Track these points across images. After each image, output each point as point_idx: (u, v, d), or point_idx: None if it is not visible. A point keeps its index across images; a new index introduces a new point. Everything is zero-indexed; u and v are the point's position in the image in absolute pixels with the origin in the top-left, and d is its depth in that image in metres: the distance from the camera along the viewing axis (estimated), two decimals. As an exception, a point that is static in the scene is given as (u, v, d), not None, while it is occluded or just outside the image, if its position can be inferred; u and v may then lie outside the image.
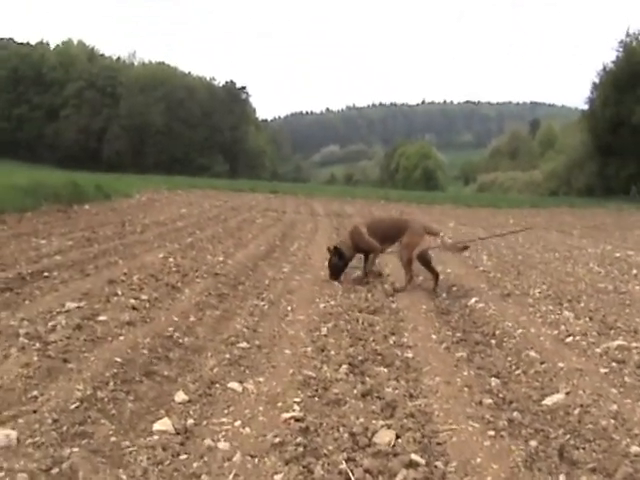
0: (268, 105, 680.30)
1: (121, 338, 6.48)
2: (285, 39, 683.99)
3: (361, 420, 4.60)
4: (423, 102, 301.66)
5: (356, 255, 10.80)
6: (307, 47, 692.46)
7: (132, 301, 7.95)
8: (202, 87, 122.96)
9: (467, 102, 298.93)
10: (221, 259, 11.75)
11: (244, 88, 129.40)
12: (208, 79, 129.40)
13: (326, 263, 10.78)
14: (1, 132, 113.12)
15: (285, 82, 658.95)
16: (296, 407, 4.87)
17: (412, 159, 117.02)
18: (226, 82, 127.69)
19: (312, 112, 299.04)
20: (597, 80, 63.77)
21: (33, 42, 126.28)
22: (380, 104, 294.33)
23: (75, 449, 4.07)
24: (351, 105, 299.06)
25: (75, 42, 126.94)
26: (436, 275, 10.56)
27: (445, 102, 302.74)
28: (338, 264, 10.56)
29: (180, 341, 6.66)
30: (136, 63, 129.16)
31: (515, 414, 4.88)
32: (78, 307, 7.45)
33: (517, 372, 6.06)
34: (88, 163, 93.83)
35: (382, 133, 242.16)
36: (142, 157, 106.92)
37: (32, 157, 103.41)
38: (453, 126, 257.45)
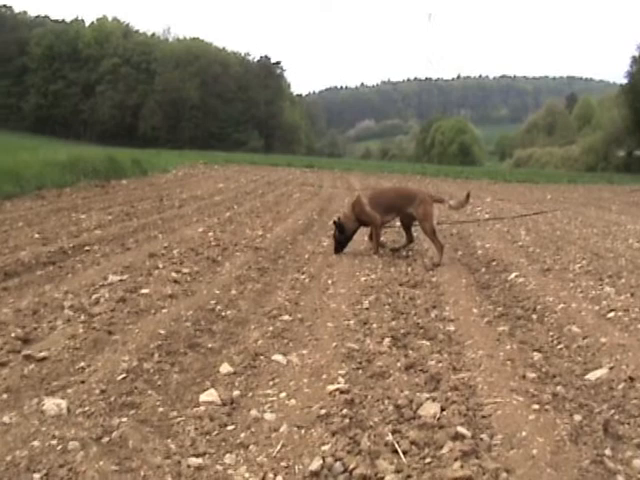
0: (303, 80, 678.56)
1: (164, 311, 6.55)
2: (320, 13, 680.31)
3: (406, 393, 4.60)
4: (459, 77, 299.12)
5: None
6: (342, 21, 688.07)
7: (173, 274, 8.04)
8: (237, 62, 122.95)
9: (503, 76, 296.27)
10: (260, 233, 11.80)
11: (279, 63, 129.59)
12: (243, 54, 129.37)
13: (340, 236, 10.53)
14: (38, 108, 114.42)
15: (320, 57, 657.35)
16: (341, 379, 4.88)
17: (448, 134, 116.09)
18: (261, 57, 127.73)
19: (347, 87, 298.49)
20: (637, 54, 62.77)
21: (68, 19, 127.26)
22: (415, 79, 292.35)
23: (124, 419, 4.13)
24: (386, 80, 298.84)
25: (110, 19, 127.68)
26: (410, 240, 10.81)
27: (481, 76, 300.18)
28: (340, 238, 10.42)
29: (223, 314, 6.71)
30: (171, 39, 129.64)
31: (559, 388, 4.84)
32: (121, 280, 7.53)
33: (559, 347, 6.00)
34: (124, 139, 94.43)
35: (417, 108, 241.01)
36: (177, 132, 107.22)
37: (68, 133, 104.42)
38: (489, 101, 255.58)
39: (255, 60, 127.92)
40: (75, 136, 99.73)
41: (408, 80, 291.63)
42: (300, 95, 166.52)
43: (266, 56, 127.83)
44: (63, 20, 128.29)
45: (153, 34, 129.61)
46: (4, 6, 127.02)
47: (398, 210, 10.44)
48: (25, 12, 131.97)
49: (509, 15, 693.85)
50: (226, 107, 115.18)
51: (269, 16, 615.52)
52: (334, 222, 10.50)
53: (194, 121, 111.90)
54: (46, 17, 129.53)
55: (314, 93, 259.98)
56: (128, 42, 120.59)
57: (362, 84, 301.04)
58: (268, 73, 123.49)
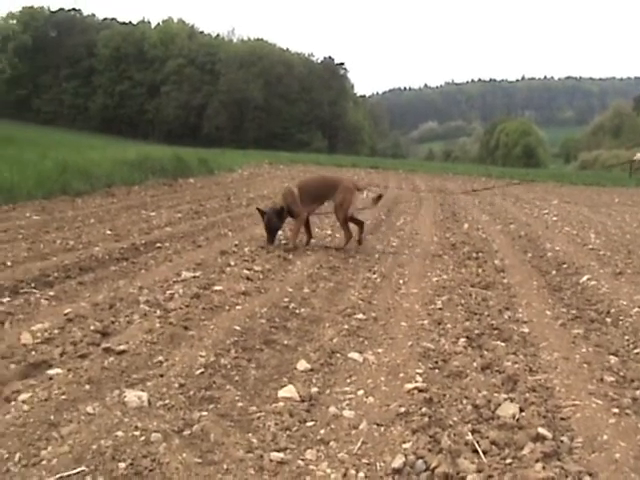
0: (366, 81, 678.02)
1: (238, 307, 6.63)
2: (384, 15, 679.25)
3: (483, 393, 4.58)
4: (523, 78, 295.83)
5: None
6: (405, 23, 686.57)
7: (246, 272, 8.12)
8: (300, 63, 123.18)
9: (568, 78, 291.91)
10: (329, 232, 11.86)
11: (342, 64, 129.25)
12: (306, 55, 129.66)
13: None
14: (104, 108, 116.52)
15: (383, 58, 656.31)
16: (418, 378, 4.88)
17: (512, 136, 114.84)
18: (324, 58, 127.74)
19: (410, 88, 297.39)
20: None
21: (135, 21, 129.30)
22: (479, 80, 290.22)
23: (204, 413, 4.18)
24: (450, 81, 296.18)
25: (175, 20, 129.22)
26: (361, 225, 10.99)
27: (546, 78, 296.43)
28: (269, 226, 10.23)
29: (297, 311, 6.76)
30: (235, 40, 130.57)
31: (638, 393, 4.77)
32: (194, 277, 7.63)
33: (636, 351, 5.89)
34: (188, 138, 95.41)
35: (481, 109, 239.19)
36: (241, 132, 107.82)
37: (133, 132, 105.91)
38: (554, 102, 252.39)
39: (319, 61, 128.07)
40: (141, 136, 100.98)
41: (472, 81, 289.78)
42: (363, 96, 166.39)
43: (330, 57, 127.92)
44: (130, 22, 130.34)
45: (217, 35, 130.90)
46: (73, 9, 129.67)
47: (322, 199, 10.68)
48: (93, 15, 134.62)
49: (575, 15, 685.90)
50: (289, 107, 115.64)
51: (333, 17, 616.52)
52: (258, 209, 10.49)
53: (257, 121, 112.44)
54: (113, 19, 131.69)
55: (377, 94, 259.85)
56: (193, 43, 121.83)
57: (425, 85, 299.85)
58: (332, 74, 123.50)
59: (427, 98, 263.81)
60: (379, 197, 11.17)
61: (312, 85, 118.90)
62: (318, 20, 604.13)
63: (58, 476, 3.32)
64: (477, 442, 3.86)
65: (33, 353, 5.09)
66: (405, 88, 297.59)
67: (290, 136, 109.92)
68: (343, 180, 11.06)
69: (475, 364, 5.22)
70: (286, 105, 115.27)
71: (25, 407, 4.04)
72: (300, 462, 3.73)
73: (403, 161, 74.28)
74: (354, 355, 5.47)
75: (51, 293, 7.05)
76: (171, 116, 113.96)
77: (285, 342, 5.77)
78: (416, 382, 4.78)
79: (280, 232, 10.67)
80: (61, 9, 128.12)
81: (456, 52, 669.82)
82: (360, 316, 6.66)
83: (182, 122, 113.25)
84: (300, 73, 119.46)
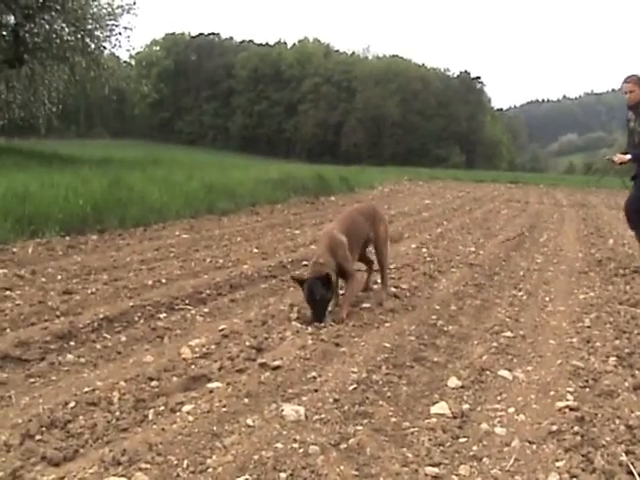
0: (503, 94, 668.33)
1: (387, 325, 6.74)
2: (518, 27, 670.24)
3: (637, 413, 4.52)
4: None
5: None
6: (541, 34, 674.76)
7: (392, 289, 8.21)
8: (436, 78, 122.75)
9: None
10: (473, 249, 11.83)
11: (479, 78, 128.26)
12: (442, 70, 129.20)
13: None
14: (244, 128, 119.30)
15: (520, 70, 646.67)
16: (569, 397, 4.86)
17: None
18: (460, 72, 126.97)
19: (548, 100, 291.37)
20: None
21: (271, 42, 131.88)
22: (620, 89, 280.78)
23: (359, 427, 4.28)
24: (589, 91, 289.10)
25: (311, 40, 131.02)
26: (371, 266, 8.47)
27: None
28: (314, 300, 6.82)
29: (445, 329, 6.81)
30: (370, 57, 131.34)
31: None
32: (342, 294, 7.71)
33: None
34: (326, 156, 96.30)
35: (622, 120, 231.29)
36: (379, 149, 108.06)
37: (271, 151, 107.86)
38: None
39: (455, 75, 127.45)
40: (278, 154, 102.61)
41: (613, 91, 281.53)
42: (501, 109, 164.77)
43: (466, 71, 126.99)
44: (266, 43, 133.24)
45: (353, 53, 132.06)
46: (212, 33, 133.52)
47: (364, 238, 7.83)
48: (231, 38, 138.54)
49: None
50: (426, 123, 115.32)
51: (468, 31, 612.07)
52: (293, 278, 7.47)
53: (395, 137, 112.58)
54: (250, 41, 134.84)
55: (515, 107, 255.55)
56: (329, 62, 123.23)
57: (564, 96, 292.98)
58: (468, 88, 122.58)
59: (566, 109, 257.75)
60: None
61: (449, 100, 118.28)
62: (453, 35, 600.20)
63: (224, 484, 3.49)
64: (632, 464, 3.82)
65: (193, 367, 5.33)
66: (543, 100, 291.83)
67: (427, 152, 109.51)
68: (373, 205, 9.35)
69: (627, 384, 5.14)
70: (423, 121, 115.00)
71: (190, 418, 4.25)
72: (454, 477, 3.78)
73: (543, 175, 72.81)
74: (504, 373, 5.47)
75: (205, 310, 7.32)
76: (309, 134, 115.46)
77: (435, 359, 5.83)
78: (567, 400, 4.77)
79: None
80: (201, 34, 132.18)
81: (595, 61, 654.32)
82: (508, 334, 6.65)
83: (320, 140, 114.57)
84: (436, 88, 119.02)
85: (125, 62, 48.74)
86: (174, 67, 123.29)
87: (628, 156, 10.12)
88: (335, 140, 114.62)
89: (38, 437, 4.03)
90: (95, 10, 32.75)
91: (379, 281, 8.33)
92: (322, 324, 6.61)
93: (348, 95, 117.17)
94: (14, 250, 10.00)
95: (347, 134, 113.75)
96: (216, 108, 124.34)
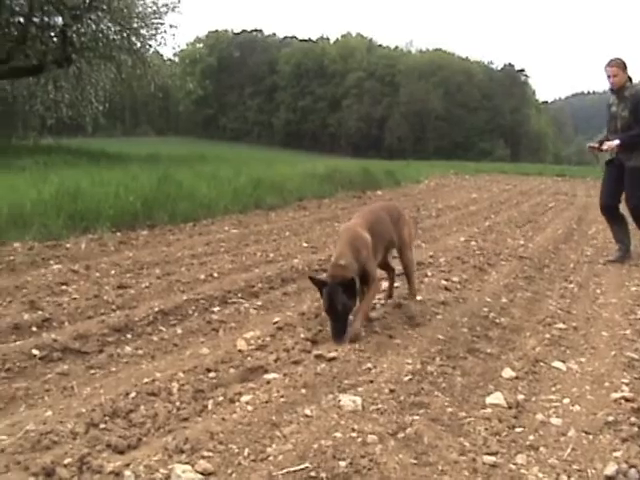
0: (548, 86, 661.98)
1: (439, 317, 6.74)
2: (563, 19, 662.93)
3: (693, 406, 4.53)
4: None
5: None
6: (585, 25, 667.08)
7: (443, 282, 8.22)
8: (480, 71, 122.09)
9: None
10: (522, 242, 11.79)
11: (523, 70, 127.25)
12: (486, 63, 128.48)
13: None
14: (288, 124, 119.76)
15: (565, 62, 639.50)
16: (625, 387, 4.87)
17: None
18: (504, 65, 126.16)
19: (594, 92, 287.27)
20: None
21: (314, 38, 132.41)
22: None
23: (415, 417, 4.31)
24: (635, 82, 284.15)
25: (354, 35, 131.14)
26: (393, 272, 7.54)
27: None
28: (334, 308, 5.81)
29: (497, 321, 6.81)
30: (413, 51, 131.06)
31: None
32: (396, 287, 7.74)
33: None
34: (370, 150, 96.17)
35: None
36: (423, 143, 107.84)
37: (315, 146, 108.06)
38: None
39: (499, 68, 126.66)
40: (324, 149, 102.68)
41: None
42: (546, 102, 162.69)
43: (510, 64, 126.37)
44: (309, 39, 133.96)
45: (396, 47, 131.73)
46: (255, 30, 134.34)
47: (389, 239, 6.93)
48: (274, 34, 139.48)
49: None
50: (471, 116, 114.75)
51: (512, 23, 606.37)
52: (312, 279, 6.46)
53: (439, 131, 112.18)
54: (293, 37, 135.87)
55: (560, 99, 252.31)
56: (372, 56, 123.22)
57: (610, 88, 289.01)
58: (512, 81, 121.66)
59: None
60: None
61: (493, 93, 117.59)
62: (497, 27, 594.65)
63: (285, 471, 3.55)
64: (692, 458, 3.82)
65: (249, 359, 5.39)
66: (589, 92, 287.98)
67: (472, 145, 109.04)
68: (397, 205, 8.48)
69: (683, 376, 5.14)
70: (467, 114, 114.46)
71: (249, 408, 4.31)
72: (512, 466, 3.81)
73: (590, 168, 72.15)
74: (557, 364, 5.50)
75: (258, 303, 7.39)
76: (353, 129, 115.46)
77: (488, 350, 5.85)
78: (622, 391, 4.78)
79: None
80: (244, 30, 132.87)
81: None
82: (560, 325, 6.66)
83: (364, 134, 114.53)
84: (480, 81, 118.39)
85: (169, 60, 49.08)
86: (217, 64, 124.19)
87: (617, 141, 10.06)
88: (379, 134, 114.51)
89: (102, 426, 4.12)
90: (140, 9, 33.00)
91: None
92: (341, 346, 5.59)
93: (391, 89, 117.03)
94: (67, 246, 10.15)
95: (391, 128, 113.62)
96: (260, 104, 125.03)
